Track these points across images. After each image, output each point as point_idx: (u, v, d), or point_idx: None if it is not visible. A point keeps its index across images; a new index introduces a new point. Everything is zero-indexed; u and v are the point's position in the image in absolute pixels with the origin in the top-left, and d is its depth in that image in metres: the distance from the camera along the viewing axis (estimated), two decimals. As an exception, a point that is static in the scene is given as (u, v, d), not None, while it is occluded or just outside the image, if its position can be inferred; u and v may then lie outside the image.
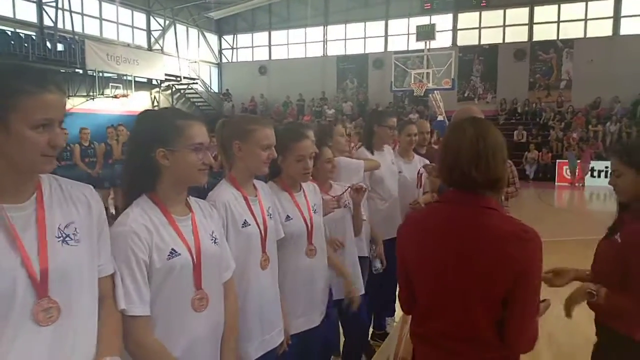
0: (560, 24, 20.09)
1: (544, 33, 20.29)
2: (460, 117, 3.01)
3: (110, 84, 18.79)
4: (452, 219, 1.51)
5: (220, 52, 26.17)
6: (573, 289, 1.97)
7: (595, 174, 16.25)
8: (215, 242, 1.64)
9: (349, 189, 2.85)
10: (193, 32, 24.42)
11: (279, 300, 2.07)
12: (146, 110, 1.63)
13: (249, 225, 1.91)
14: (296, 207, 2.24)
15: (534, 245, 1.42)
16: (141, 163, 1.53)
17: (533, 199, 13.09)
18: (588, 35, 19.58)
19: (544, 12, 20.28)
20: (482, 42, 21.30)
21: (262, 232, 1.96)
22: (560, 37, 20.04)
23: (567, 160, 16.80)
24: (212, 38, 25.72)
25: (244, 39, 25.88)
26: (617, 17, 19.12)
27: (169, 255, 1.48)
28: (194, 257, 1.54)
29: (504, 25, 20.94)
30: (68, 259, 1.20)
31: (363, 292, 2.91)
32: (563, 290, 2.01)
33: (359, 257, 3.16)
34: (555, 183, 16.73)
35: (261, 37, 25.37)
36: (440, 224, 1.53)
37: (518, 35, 20.67)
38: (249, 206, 1.95)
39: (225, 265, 1.72)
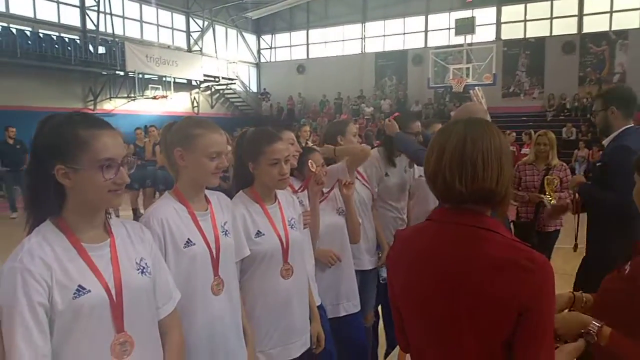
0: (613, 14, 18.87)
1: (594, 24, 19.10)
2: (460, 116, 2.67)
3: (150, 85, 19.13)
4: (438, 242, 1.23)
5: (258, 51, 26.25)
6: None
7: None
8: (143, 272, 1.37)
9: (337, 182, 2.57)
10: (232, 32, 24.58)
11: (241, 329, 1.80)
12: (49, 116, 1.31)
13: (194, 244, 1.64)
14: (269, 221, 1.97)
15: (542, 276, 1.11)
16: (42, 181, 1.25)
17: (581, 201, 12.25)
18: (644, 25, 18.33)
19: (594, 3, 19.09)
20: (527, 35, 20.34)
21: (214, 251, 1.68)
22: (612, 28, 18.84)
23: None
24: (251, 38, 25.82)
25: (282, 38, 25.84)
26: (677, 5, 17.80)
27: (74, 294, 1.22)
28: (113, 293, 1.27)
29: (552, 18, 19.90)
30: None
31: (359, 308, 2.63)
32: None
33: (361, 270, 2.88)
34: (607, 183, 15.70)
35: (299, 36, 25.25)
36: (426, 248, 1.25)
37: (566, 27, 19.58)
38: (196, 222, 1.67)
39: (163, 297, 1.45)
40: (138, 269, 1.36)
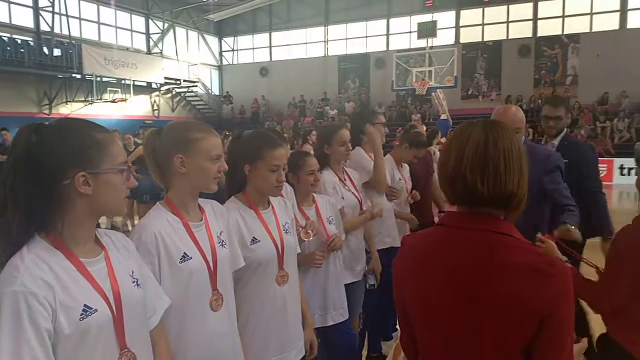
0: (565, 18, 19.65)
1: (548, 28, 19.84)
2: (499, 117, 2.76)
3: (109, 89, 18.54)
4: (452, 248, 1.20)
5: (220, 54, 25.91)
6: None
7: (625, 171, 15.36)
8: (137, 285, 1.29)
9: (298, 226, 2.37)
10: (193, 34, 24.16)
11: (239, 344, 1.73)
12: (41, 124, 1.18)
13: (190, 258, 1.54)
14: (264, 227, 1.92)
15: (561, 281, 1.10)
16: (42, 195, 1.13)
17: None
18: (594, 30, 19.11)
19: (548, 7, 19.84)
20: (485, 39, 20.89)
21: (211, 265, 1.59)
22: (565, 32, 19.61)
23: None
24: (213, 40, 25.45)
25: (244, 40, 25.59)
26: (623, 10, 18.65)
27: (82, 315, 1.13)
28: (114, 309, 1.20)
29: (508, 22, 20.53)
30: None
31: (347, 317, 2.60)
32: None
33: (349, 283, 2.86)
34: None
35: (262, 38, 25.08)
36: (438, 254, 1.22)
37: (522, 31, 20.25)
38: (191, 234, 1.57)
39: (151, 308, 1.38)
40: (133, 282, 1.29)
